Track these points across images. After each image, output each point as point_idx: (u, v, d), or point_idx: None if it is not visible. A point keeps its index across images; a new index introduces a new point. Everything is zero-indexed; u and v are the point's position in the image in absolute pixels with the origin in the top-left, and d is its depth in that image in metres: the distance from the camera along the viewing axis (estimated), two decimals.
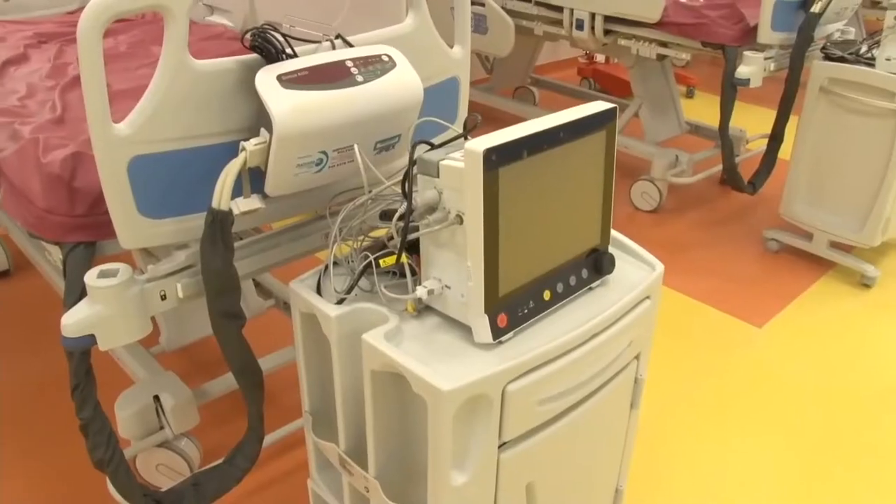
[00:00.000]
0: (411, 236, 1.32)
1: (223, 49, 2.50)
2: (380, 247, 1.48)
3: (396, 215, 1.32)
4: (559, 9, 3.46)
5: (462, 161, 1.26)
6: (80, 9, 3.18)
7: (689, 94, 4.86)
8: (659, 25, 3.17)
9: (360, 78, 1.45)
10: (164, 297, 1.50)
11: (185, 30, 1.34)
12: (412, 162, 1.33)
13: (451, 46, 1.81)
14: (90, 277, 1.43)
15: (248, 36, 1.42)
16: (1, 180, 1.66)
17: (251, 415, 1.60)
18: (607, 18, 3.31)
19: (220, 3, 2.79)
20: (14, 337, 2.72)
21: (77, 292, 1.47)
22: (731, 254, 3.24)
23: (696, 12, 3.10)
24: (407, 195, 1.33)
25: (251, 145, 1.37)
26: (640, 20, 3.19)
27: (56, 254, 1.61)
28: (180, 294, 1.50)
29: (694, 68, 3.28)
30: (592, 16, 3.34)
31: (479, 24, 3.54)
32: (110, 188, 1.36)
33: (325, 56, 1.45)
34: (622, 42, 3.37)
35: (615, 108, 1.43)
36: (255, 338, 1.66)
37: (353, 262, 1.48)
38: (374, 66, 1.48)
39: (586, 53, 4.96)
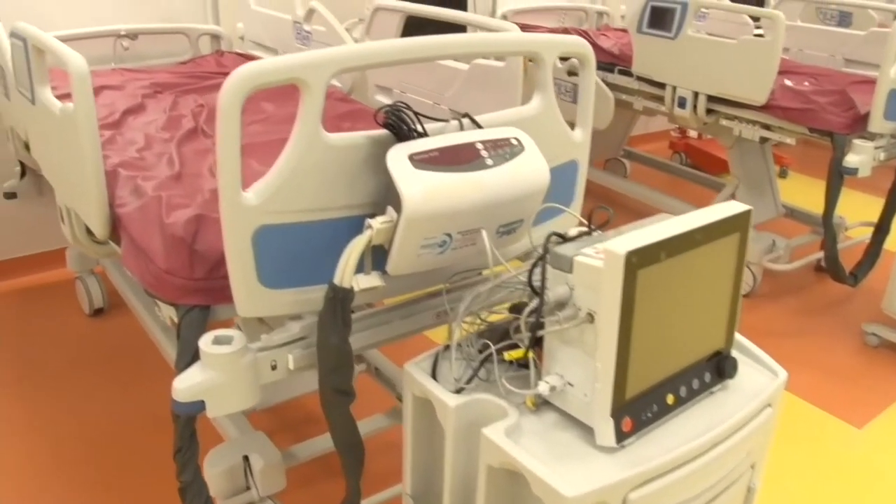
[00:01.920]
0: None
1: (332, 110, 2.50)
2: (499, 334, 1.43)
3: (527, 310, 1.27)
4: (661, 85, 3.42)
5: (598, 259, 1.21)
6: (193, 59, 3.25)
7: (783, 175, 4.75)
8: (764, 108, 3.09)
9: (489, 161, 1.41)
10: (274, 368, 1.47)
11: (321, 103, 1.33)
12: (545, 255, 1.28)
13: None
14: (205, 343, 1.41)
15: (381, 113, 1.40)
16: (122, 235, 1.67)
17: (350, 489, 1.55)
18: (711, 98, 3.25)
19: None
20: (105, 374, 2.73)
21: (189, 355, 1.45)
22: (827, 346, 3.11)
23: (804, 97, 3.02)
24: (539, 290, 1.29)
25: (377, 223, 1.35)
26: (746, 102, 3.12)
27: (167, 311, 1.60)
28: (291, 366, 1.47)
29: (787, 147, 3.19)
30: (696, 94, 3.28)
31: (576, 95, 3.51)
32: (234, 256, 1.34)
33: (455, 137, 1.42)
34: (724, 122, 3.30)
35: (750, 210, 1.37)
36: None
37: (471, 347, 1.43)
38: (504, 150, 1.45)
39: (679, 127, 4.89)
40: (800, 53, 3.90)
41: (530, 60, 1.71)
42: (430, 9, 2.45)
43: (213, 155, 2.07)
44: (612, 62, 3.70)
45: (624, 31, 4.29)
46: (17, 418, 2.50)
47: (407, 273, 1.45)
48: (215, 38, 3.37)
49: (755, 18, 3.86)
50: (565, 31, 3.91)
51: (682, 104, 3.33)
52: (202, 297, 1.48)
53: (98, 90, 2.59)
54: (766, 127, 3.20)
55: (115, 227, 1.71)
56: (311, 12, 2.87)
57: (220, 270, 1.47)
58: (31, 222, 3.34)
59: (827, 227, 2.99)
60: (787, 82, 3.20)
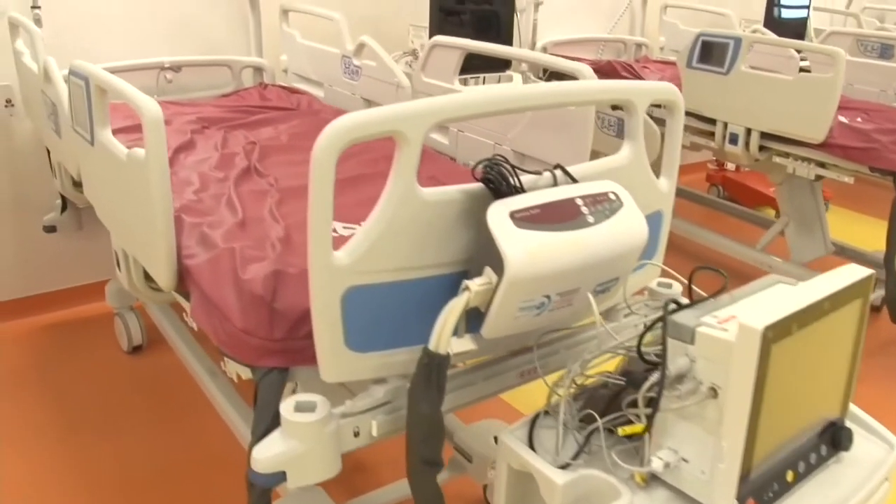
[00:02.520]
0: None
1: (385, 148, 2.41)
2: (602, 401, 1.34)
3: (647, 385, 1.18)
4: (711, 120, 3.33)
5: (724, 331, 1.12)
6: (236, 92, 3.18)
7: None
8: (822, 146, 3.00)
9: (590, 218, 1.33)
10: (357, 435, 1.38)
11: (417, 156, 1.24)
12: (665, 325, 1.19)
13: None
14: (287, 410, 1.32)
15: (479, 168, 1.31)
16: (191, 287, 1.58)
17: None
18: (764, 135, 3.16)
19: (378, 97, 2.74)
20: (146, 414, 2.64)
21: (267, 421, 1.36)
22: (887, 388, 3.00)
23: (864, 136, 2.92)
24: (654, 362, 1.20)
25: (475, 286, 1.26)
26: (802, 140, 3.02)
27: (234, 368, 1.51)
28: (374, 432, 1.38)
29: (828, 181, 3.12)
30: (748, 131, 3.19)
31: (622, 130, 3.42)
32: (321, 319, 1.25)
33: (554, 192, 1.33)
34: (777, 160, 3.21)
35: (872, 274, 1.28)
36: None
37: (573, 416, 1.33)
38: (603, 206, 1.36)
39: (717, 160, 4.80)
40: (849, 88, 3.81)
41: (619, 108, 1.62)
42: (494, 46, 2.38)
43: (271, 197, 1.99)
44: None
45: (664, 62, 4.22)
46: (57, 460, 2.41)
47: (501, 336, 1.36)
48: (258, 70, 3.30)
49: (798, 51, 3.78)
50: (610, 64, 3.83)
51: (733, 140, 3.24)
52: (281, 358, 1.39)
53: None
54: (821, 164, 3.11)
55: (182, 277, 1.62)
56: (361, 46, 2.80)
57: (300, 330, 1.38)
58: (70, 256, 3.27)
59: (889, 269, 2.88)
60: (843, 119, 3.10)
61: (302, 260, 1.52)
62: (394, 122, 1.20)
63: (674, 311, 1.21)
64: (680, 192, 4.35)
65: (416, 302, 1.33)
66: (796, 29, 4.61)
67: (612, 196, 1.39)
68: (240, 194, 1.99)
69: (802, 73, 2.99)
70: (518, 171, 1.35)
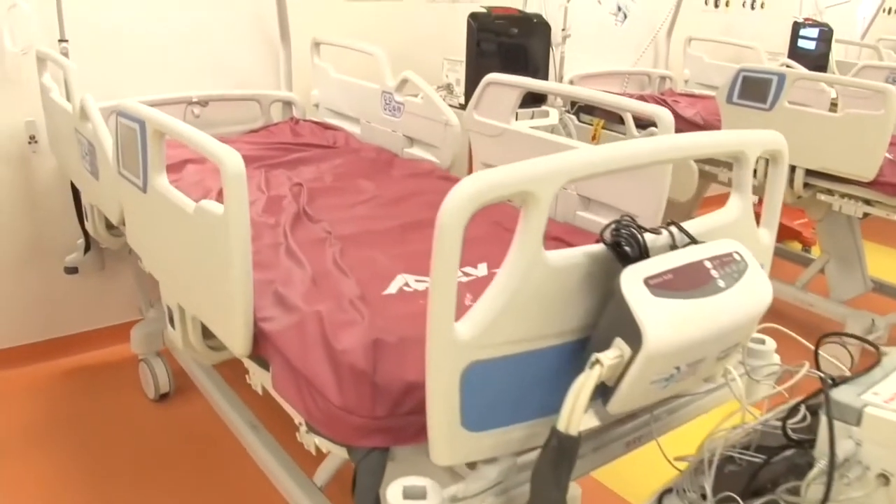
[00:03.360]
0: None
1: (437, 190, 2.30)
2: (734, 480, 1.22)
3: (813, 473, 1.06)
4: None
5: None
6: (265, 127, 3.07)
7: None
8: (870, 184, 2.91)
9: (721, 283, 1.21)
10: None
11: (545, 218, 1.12)
12: (826, 404, 1.07)
13: None
14: (395, 497, 1.18)
15: (608, 231, 1.20)
16: (271, 355, 1.45)
17: None
18: (809, 172, 3.07)
19: (423, 135, 2.62)
20: (177, 467, 2.49)
21: None
22: None
23: None
24: (805, 444, 1.08)
25: (608, 360, 1.14)
26: (851, 178, 2.93)
27: (311, 440, 1.38)
28: None
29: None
30: (792, 168, 3.10)
31: None
32: (438, 399, 1.13)
33: (681, 255, 1.22)
34: (821, 197, 3.12)
35: None
36: None
37: (705, 497, 1.21)
38: (731, 268, 1.25)
39: None
40: None
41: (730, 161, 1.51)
42: (557, 86, 2.27)
43: (330, 245, 1.87)
44: (695, 132, 3.52)
45: (692, 95, 4.14)
46: None
47: (627, 410, 1.24)
48: (288, 104, 3.18)
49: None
50: (642, 99, 3.74)
51: None
52: (383, 437, 1.26)
53: (181, 164, 2.40)
54: (867, 202, 3.02)
55: (256, 341, 1.49)
56: (403, 82, 2.69)
57: (403, 405, 1.26)
58: (91, 297, 3.12)
59: None
60: (888, 155, 3.02)
61: (395, 324, 1.40)
62: (527, 183, 1.08)
63: (836, 387, 1.09)
64: None
65: (535, 374, 1.21)
66: (818, 61, 4.55)
67: (736, 257, 1.28)
68: (298, 243, 1.87)
69: (851, 111, 2.90)
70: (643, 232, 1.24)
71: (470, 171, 2.64)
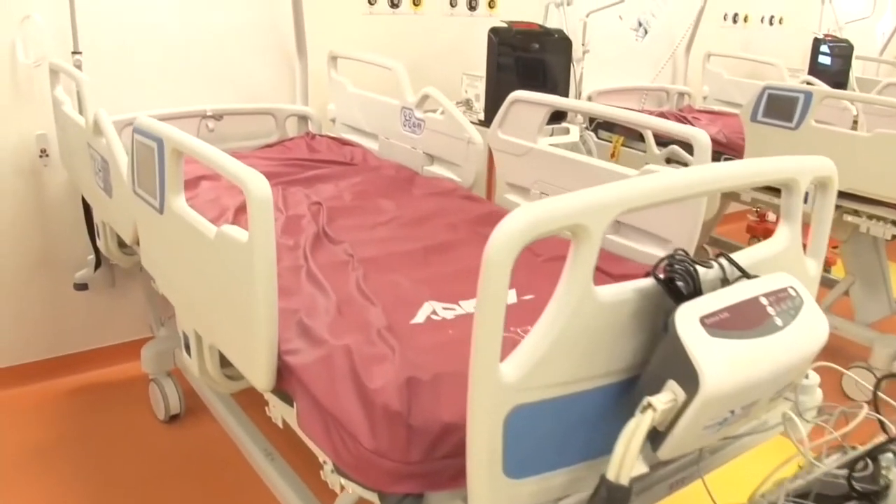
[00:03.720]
0: None
1: (462, 212, 2.23)
2: None
3: None
4: None
5: None
6: (280, 142, 2.99)
7: None
8: None
9: (778, 321, 1.14)
10: None
11: (597, 252, 1.05)
12: None
13: None
14: None
15: (662, 266, 1.12)
16: (296, 390, 1.37)
17: None
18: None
19: (444, 152, 2.55)
20: (188, 491, 2.40)
21: None
22: None
23: None
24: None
25: (661, 404, 1.06)
26: (881, 199, 2.85)
27: (354, 489, 1.30)
28: None
29: None
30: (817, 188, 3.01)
31: None
32: (480, 445, 1.06)
33: (736, 291, 1.14)
34: (848, 218, 3.04)
35: None
36: None
37: None
38: (787, 304, 1.18)
39: (757, 211, 4.63)
40: None
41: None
42: (584, 104, 2.20)
43: (353, 269, 1.79)
44: (718, 150, 3.44)
45: (711, 112, 4.06)
46: None
47: (678, 455, 1.16)
48: (303, 119, 3.12)
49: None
50: (662, 116, 3.67)
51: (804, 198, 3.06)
52: (418, 483, 1.18)
53: (196, 181, 2.32)
54: None
55: (279, 374, 1.41)
56: (424, 98, 2.62)
57: (439, 449, 1.18)
58: (100, 314, 3.05)
59: None
60: None
61: (427, 358, 1.33)
62: (580, 216, 1.01)
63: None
64: (721, 244, 4.19)
65: (580, 416, 1.14)
66: (837, 77, 4.48)
67: (792, 292, 1.21)
68: (320, 267, 1.80)
69: (881, 130, 2.82)
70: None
71: (489, 189, 2.57)
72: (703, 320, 1.07)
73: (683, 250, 1.16)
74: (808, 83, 3.93)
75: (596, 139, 3.56)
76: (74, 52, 2.71)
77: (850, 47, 4.51)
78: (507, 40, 3.01)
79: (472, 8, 3.53)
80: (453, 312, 1.61)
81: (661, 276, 1.12)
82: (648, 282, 1.15)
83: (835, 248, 3.62)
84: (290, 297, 1.60)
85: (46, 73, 2.64)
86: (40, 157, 2.78)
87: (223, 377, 1.65)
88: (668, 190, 1.12)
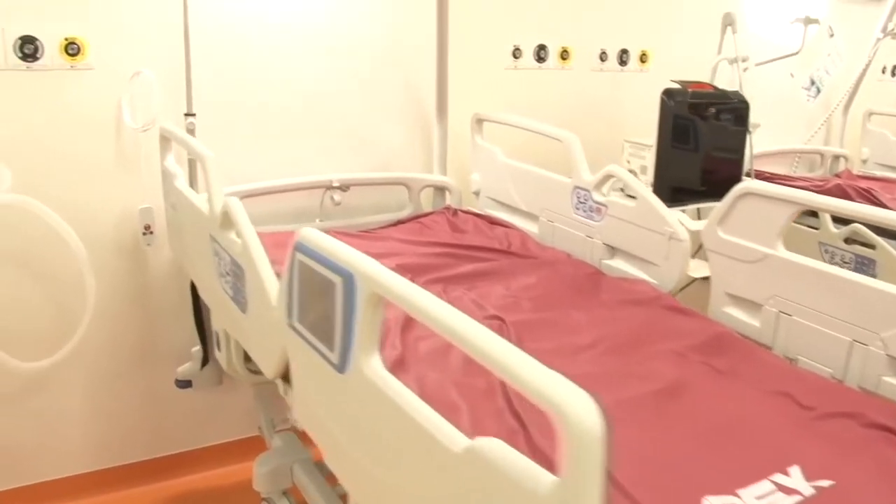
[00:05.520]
0: None
1: (676, 330, 1.69)
2: None
3: None
4: None
5: None
6: (415, 217, 2.48)
7: None
8: None
9: None
10: None
11: None
12: None
13: None
14: None
15: None
16: None
17: None
18: None
19: (634, 246, 2.01)
20: None
21: None
22: None
23: None
24: None
25: None
26: None
27: None
28: None
29: None
30: None
31: (866, 268, 2.68)
32: None
33: None
34: None
35: None
36: None
37: None
38: None
39: None
40: None
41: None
42: (841, 204, 1.65)
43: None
44: None
45: (871, 178, 3.46)
46: None
47: None
48: (440, 190, 2.60)
49: None
50: (840, 188, 3.09)
51: None
52: None
53: None
54: None
55: None
56: (606, 178, 2.09)
57: None
58: (203, 413, 2.55)
59: None
60: None
61: None
62: None
63: None
64: None
65: None
66: None
67: None
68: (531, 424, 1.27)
69: None
70: None
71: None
72: None
73: None
74: None
75: None
76: (187, 115, 2.24)
77: None
78: (684, 104, 2.47)
79: (622, 63, 3.00)
80: None
81: None
82: None
83: None
84: None
85: (154, 138, 2.17)
86: (144, 234, 2.30)
87: None
88: None
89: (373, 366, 1.10)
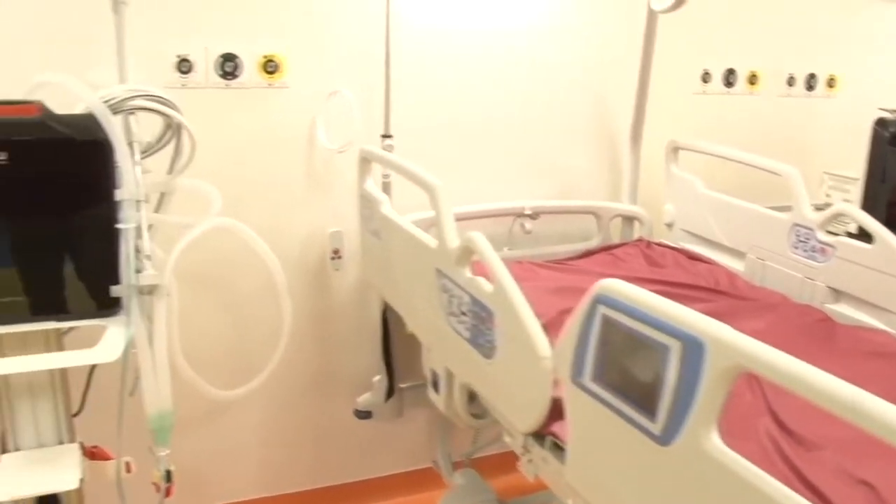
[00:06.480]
0: None
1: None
2: None
3: None
4: None
5: None
6: (605, 248, 2.37)
7: None
8: None
9: None
10: None
11: None
12: None
13: None
14: None
15: None
16: None
17: None
18: None
19: (867, 292, 1.85)
20: None
21: None
22: None
23: None
24: None
25: None
26: None
27: None
28: None
29: None
30: None
31: None
32: None
33: None
34: None
35: None
36: None
37: None
38: None
39: None
40: None
41: None
42: None
43: None
44: None
45: None
46: None
47: None
48: (629, 220, 2.47)
49: None
50: None
51: None
52: None
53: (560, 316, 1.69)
54: None
55: None
56: (834, 216, 1.93)
57: None
58: (378, 443, 2.48)
59: None
60: None
61: None
62: None
63: None
64: None
65: None
66: None
67: None
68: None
69: None
70: None
71: None
72: None
73: None
74: None
75: None
76: (384, 136, 2.16)
77: None
78: None
79: (809, 88, 2.83)
80: None
81: None
82: None
83: None
84: None
85: (346, 160, 2.10)
86: (332, 258, 2.23)
87: None
88: None
89: (713, 443, 0.98)
